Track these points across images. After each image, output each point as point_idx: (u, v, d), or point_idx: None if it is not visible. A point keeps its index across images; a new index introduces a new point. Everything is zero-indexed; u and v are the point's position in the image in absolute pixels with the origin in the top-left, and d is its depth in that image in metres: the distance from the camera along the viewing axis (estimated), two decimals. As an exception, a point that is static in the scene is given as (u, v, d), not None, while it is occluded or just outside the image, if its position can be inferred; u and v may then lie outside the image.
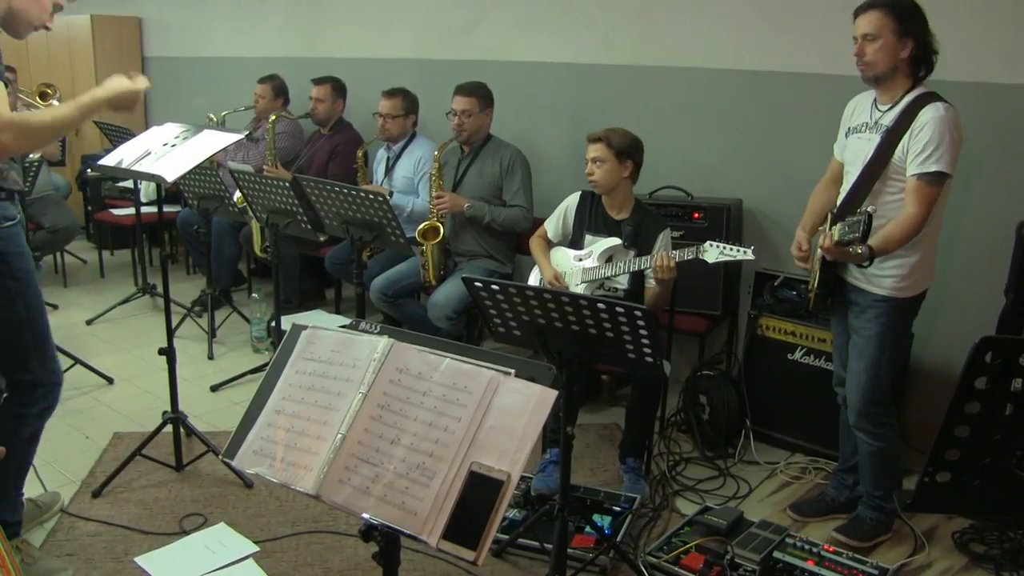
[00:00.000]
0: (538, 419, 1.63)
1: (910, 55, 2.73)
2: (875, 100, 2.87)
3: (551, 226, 3.75)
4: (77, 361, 4.38)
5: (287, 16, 6.20)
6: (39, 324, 2.72)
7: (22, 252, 2.65)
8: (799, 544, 2.96)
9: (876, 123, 2.84)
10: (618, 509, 3.19)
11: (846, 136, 2.99)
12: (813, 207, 3.13)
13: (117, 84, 2.62)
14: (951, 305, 3.56)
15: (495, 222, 4.28)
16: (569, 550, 2.78)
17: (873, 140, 2.82)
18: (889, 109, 2.80)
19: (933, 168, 2.67)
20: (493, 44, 5.03)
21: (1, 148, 2.43)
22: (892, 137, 2.76)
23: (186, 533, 3.07)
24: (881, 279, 2.85)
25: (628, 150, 3.45)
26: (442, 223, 4.34)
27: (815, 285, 2.97)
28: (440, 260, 4.38)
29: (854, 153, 2.92)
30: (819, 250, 2.89)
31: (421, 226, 4.35)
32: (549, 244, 3.77)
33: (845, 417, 3.13)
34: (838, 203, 2.93)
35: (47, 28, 2.63)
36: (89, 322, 5.31)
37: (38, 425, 2.77)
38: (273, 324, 4.47)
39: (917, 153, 2.69)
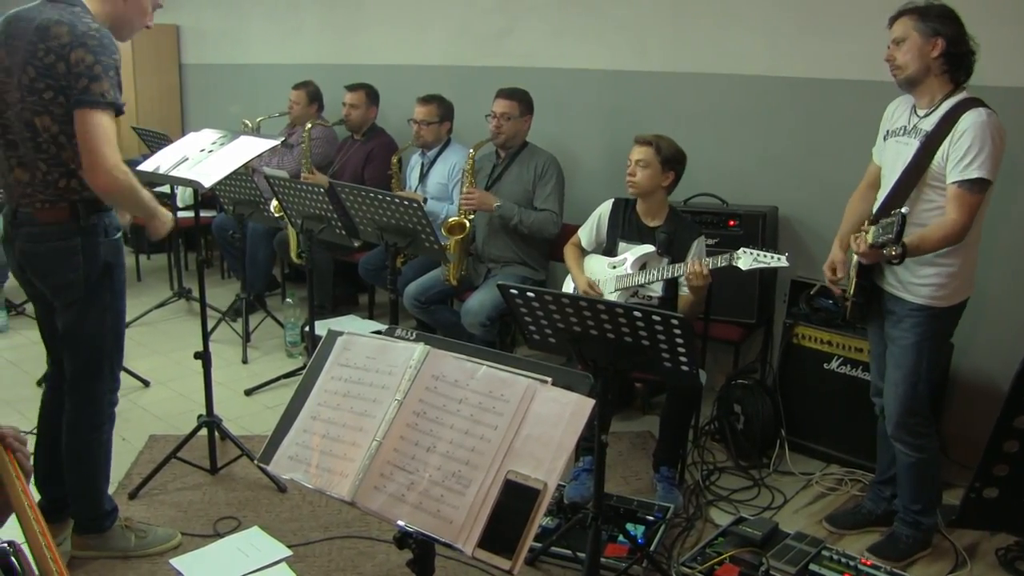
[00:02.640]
0: (575, 428, 1.61)
1: (941, 55, 2.69)
2: (914, 105, 2.84)
3: (585, 234, 3.73)
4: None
5: (322, 23, 6.24)
6: (120, 335, 2.84)
7: (123, 264, 2.77)
8: (835, 557, 2.92)
9: (915, 127, 2.79)
10: (651, 518, 3.16)
11: (884, 139, 2.96)
12: (849, 218, 3.09)
13: (165, 218, 2.80)
14: (991, 315, 3.49)
15: (523, 224, 4.27)
16: (602, 559, 2.77)
17: (912, 145, 2.78)
18: (928, 114, 2.76)
19: (975, 175, 2.62)
20: (527, 51, 5.03)
21: (102, 187, 2.52)
22: (931, 143, 2.71)
23: (220, 536, 3.09)
24: (918, 288, 2.81)
25: (674, 160, 3.44)
26: (469, 220, 4.33)
27: (851, 294, 2.93)
28: (462, 259, 4.38)
29: (892, 157, 2.88)
30: (855, 257, 2.86)
31: (449, 220, 4.35)
32: (583, 252, 3.76)
33: (883, 428, 3.08)
34: (875, 209, 2.89)
35: (147, 27, 2.79)
36: (126, 325, 5.35)
37: (113, 420, 2.91)
38: (307, 329, 4.49)
39: (958, 160, 2.64)
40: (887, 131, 2.94)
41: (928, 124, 2.74)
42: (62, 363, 2.82)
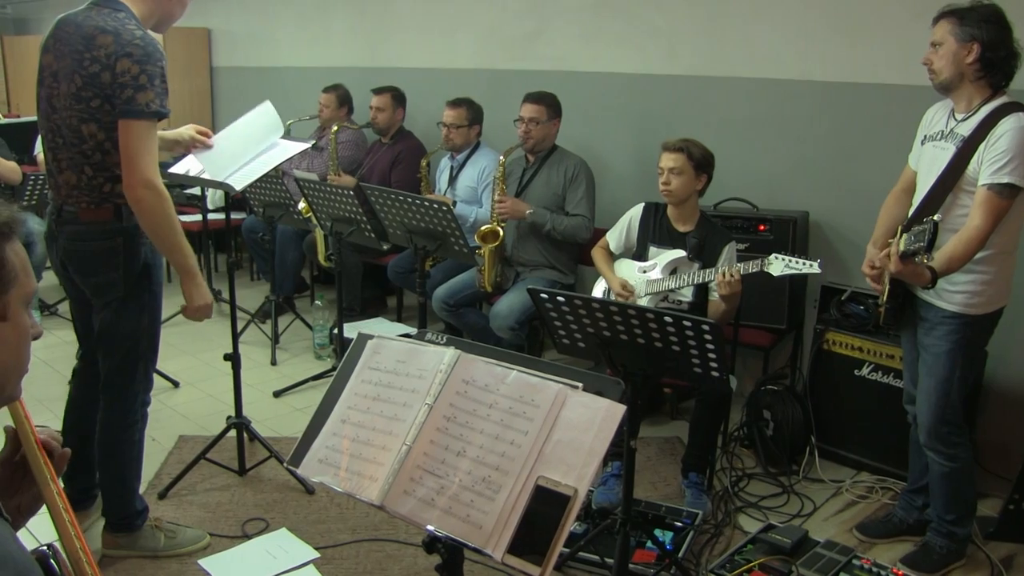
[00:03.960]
0: (606, 434, 1.60)
1: (976, 60, 2.63)
2: (952, 110, 2.79)
3: (613, 237, 3.72)
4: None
5: (351, 26, 6.27)
6: (155, 336, 2.85)
7: (162, 265, 2.79)
8: (867, 567, 2.88)
9: (952, 132, 2.74)
10: (680, 524, 3.14)
11: (921, 144, 2.91)
12: (884, 221, 3.05)
13: (206, 297, 2.75)
14: (1028, 323, 3.44)
15: (556, 230, 4.26)
16: (630, 565, 2.75)
17: (948, 150, 2.73)
18: (966, 119, 2.71)
19: (1005, 179, 2.57)
20: (557, 54, 5.03)
21: (134, 198, 2.52)
22: (968, 148, 2.66)
23: (248, 537, 3.11)
24: (952, 295, 2.76)
25: (705, 163, 3.42)
26: (502, 227, 4.33)
27: (885, 300, 2.89)
28: (496, 266, 4.38)
29: (928, 162, 2.83)
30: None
31: (481, 228, 4.35)
32: (611, 255, 3.74)
33: (915, 436, 3.04)
34: (910, 214, 2.85)
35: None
36: (156, 326, 5.40)
37: (146, 419, 2.92)
38: (335, 331, 4.50)
39: (991, 162, 2.59)
40: (924, 136, 2.89)
41: (966, 129, 2.69)
42: (93, 359, 2.85)
